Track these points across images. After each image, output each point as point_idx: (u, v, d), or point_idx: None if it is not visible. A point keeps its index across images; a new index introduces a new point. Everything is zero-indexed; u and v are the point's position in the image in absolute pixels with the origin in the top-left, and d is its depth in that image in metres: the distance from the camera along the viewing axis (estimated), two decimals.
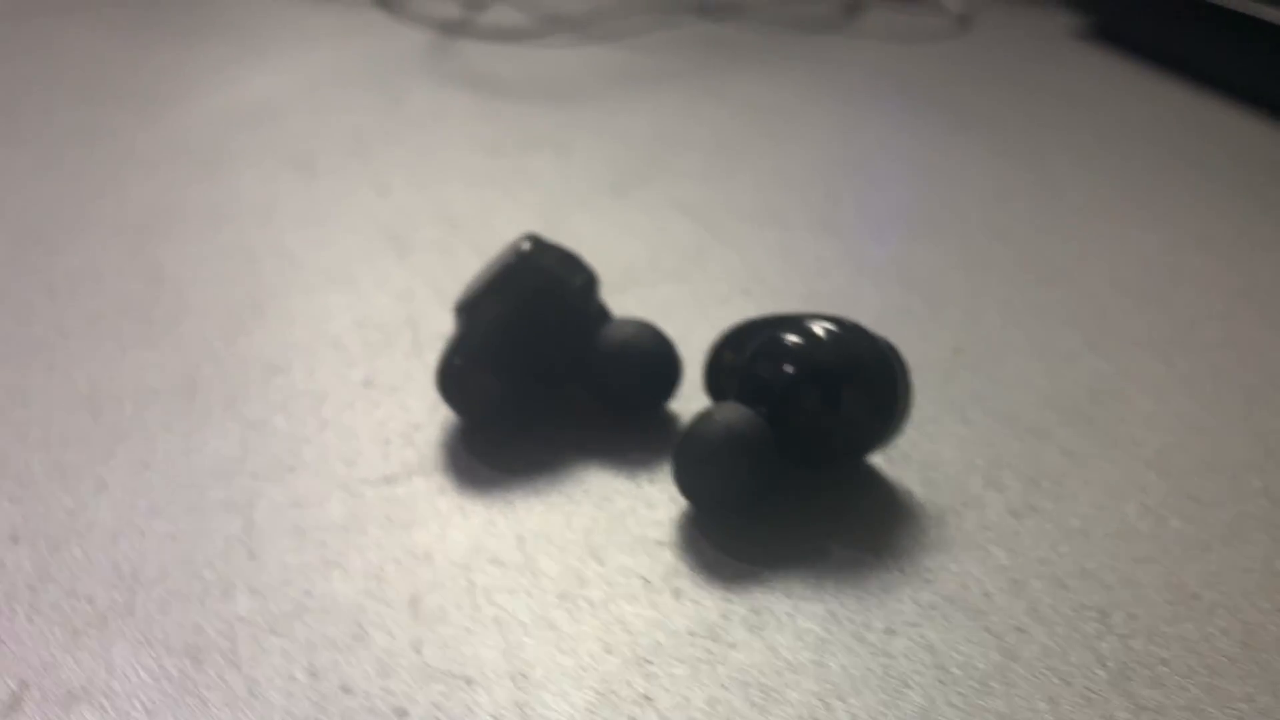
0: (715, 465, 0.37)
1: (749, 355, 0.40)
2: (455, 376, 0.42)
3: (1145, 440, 0.43)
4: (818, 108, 0.79)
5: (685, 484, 0.37)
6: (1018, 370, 0.47)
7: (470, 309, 0.43)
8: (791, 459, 0.38)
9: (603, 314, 0.44)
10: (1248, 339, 0.50)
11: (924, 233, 0.60)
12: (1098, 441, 0.43)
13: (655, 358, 0.43)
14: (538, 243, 0.43)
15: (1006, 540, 0.37)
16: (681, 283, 0.55)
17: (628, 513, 0.39)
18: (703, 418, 0.37)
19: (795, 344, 0.38)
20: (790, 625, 0.34)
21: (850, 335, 0.39)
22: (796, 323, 0.40)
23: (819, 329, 0.39)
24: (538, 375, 0.43)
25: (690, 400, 0.45)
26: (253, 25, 0.96)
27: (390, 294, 0.53)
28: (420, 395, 0.45)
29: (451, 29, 0.95)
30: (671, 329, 0.49)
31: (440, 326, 0.50)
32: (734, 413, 0.37)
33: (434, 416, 0.44)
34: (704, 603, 0.35)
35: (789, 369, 0.38)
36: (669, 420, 0.44)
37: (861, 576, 0.36)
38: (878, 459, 0.42)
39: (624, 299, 0.53)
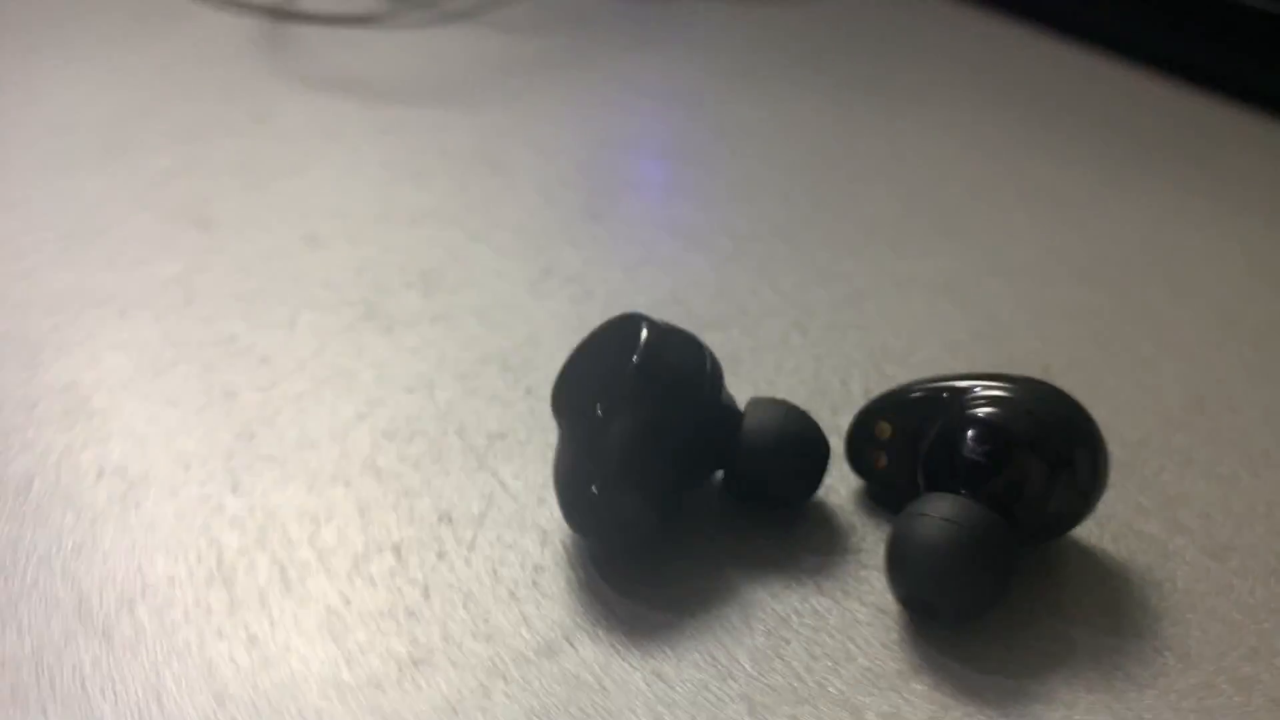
0: (969, 574, 0.32)
1: (938, 431, 0.35)
2: (598, 507, 0.34)
3: None
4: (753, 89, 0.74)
5: (933, 598, 0.33)
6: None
7: (585, 415, 0.35)
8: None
9: (729, 397, 0.38)
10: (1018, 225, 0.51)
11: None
12: None
13: (810, 445, 0.37)
14: (654, 328, 0.36)
15: None
16: (729, 329, 0.49)
17: (845, 639, 0.34)
18: (934, 521, 0.32)
19: (1000, 416, 0.34)
20: None
21: (1047, 397, 0.35)
22: (982, 390, 0.36)
23: (1013, 394, 0.35)
24: (682, 484, 0.37)
25: (832, 480, 0.40)
26: (25, 18, 0.77)
27: (405, 388, 0.44)
28: (520, 524, 0.38)
29: (279, 14, 0.82)
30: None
31: (497, 424, 0.42)
32: (968, 510, 0.32)
33: (551, 549, 0.37)
34: None
35: (1005, 444, 0.34)
36: (817, 510, 0.39)
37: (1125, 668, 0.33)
38: None
39: None
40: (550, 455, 0.40)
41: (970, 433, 0.34)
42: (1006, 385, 0.36)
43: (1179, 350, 0.47)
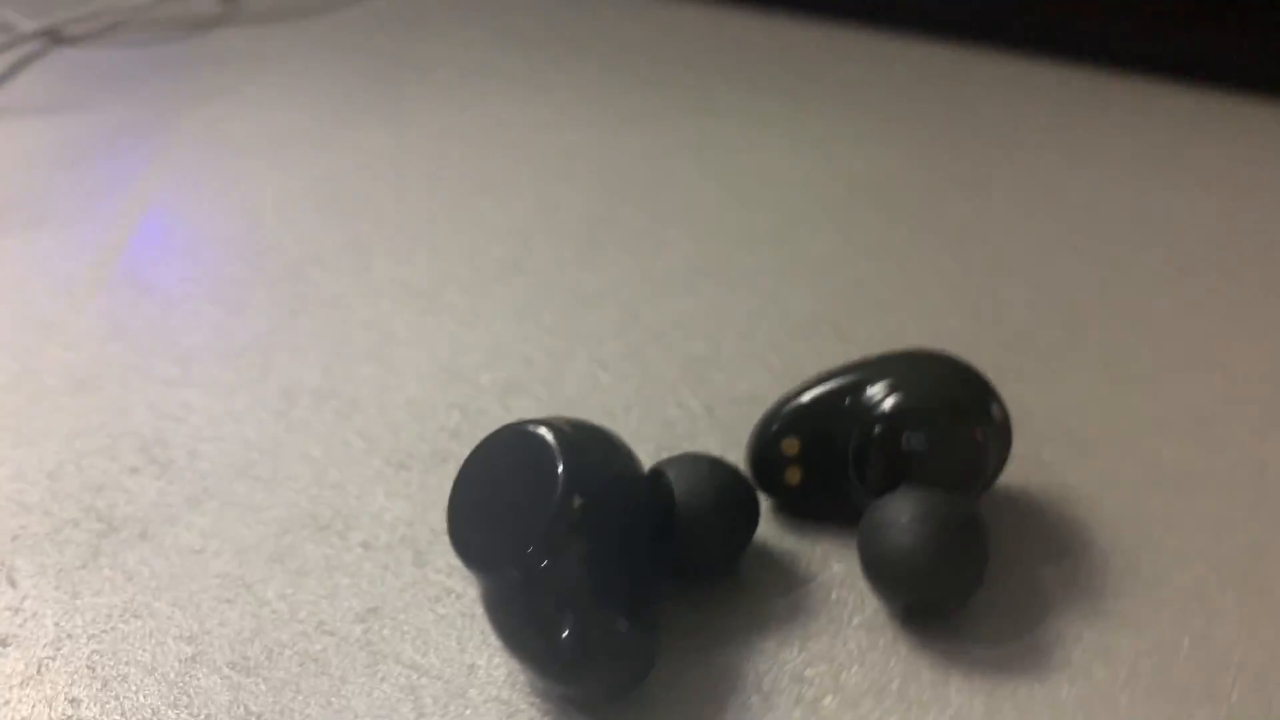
0: (966, 558, 0.32)
1: (864, 436, 0.34)
2: (583, 646, 0.29)
3: None
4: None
5: (940, 595, 0.32)
6: None
7: (518, 560, 0.30)
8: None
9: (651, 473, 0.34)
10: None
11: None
12: None
13: (745, 495, 0.35)
14: (561, 435, 0.31)
15: None
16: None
17: (868, 669, 0.32)
18: (917, 523, 0.31)
19: (921, 399, 0.34)
20: None
21: (938, 364, 0.36)
22: (878, 379, 0.35)
23: (909, 372, 0.35)
24: (650, 590, 0.33)
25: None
26: None
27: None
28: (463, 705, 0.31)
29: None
30: None
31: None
32: (938, 500, 0.32)
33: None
34: None
35: (941, 424, 0.34)
36: (750, 555, 0.36)
37: None
38: None
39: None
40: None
41: (903, 426, 0.34)
42: (892, 366, 0.36)
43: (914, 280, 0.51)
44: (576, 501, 0.29)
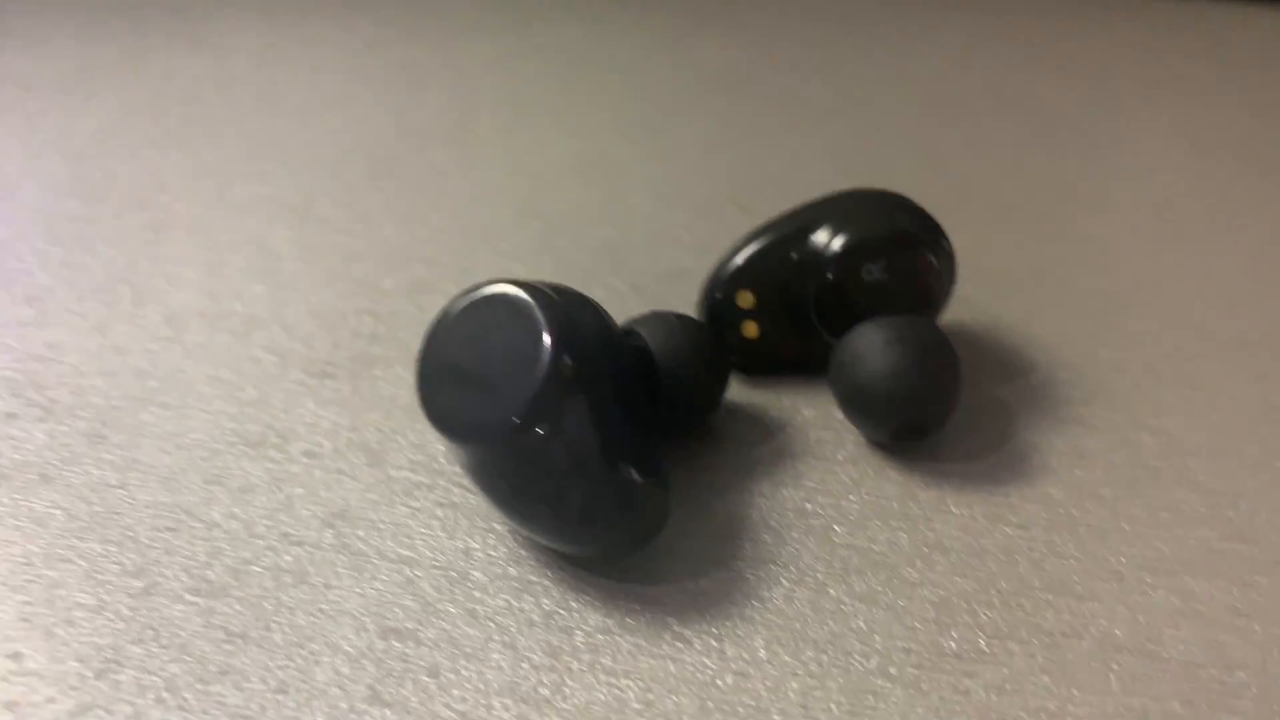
0: (946, 378, 0.32)
1: (823, 277, 0.34)
2: (615, 503, 0.28)
3: None
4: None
5: (926, 416, 0.32)
6: None
7: (509, 431, 0.28)
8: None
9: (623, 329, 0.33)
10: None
11: None
12: None
13: (716, 345, 0.34)
14: (540, 296, 0.29)
15: None
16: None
17: (866, 497, 0.32)
18: (897, 349, 0.31)
19: (877, 229, 0.34)
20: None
21: (881, 197, 0.36)
22: (825, 221, 0.35)
23: (859, 209, 0.35)
24: (650, 441, 0.31)
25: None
26: None
27: None
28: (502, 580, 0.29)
29: None
30: None
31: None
32: (911, 325, 0.32)
33: (541, 589, 0.29)
34: None
35: (903, 250, 0.34)
36: (728, 418, 0.36)
37: None
38: None
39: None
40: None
41: (862, 259, 0.34)
42: (831, 209, 0.36)
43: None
44: (567, 362, 0.28)
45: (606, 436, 0.28)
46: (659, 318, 0.33)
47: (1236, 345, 0.38)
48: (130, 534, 0.30)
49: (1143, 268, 0.43)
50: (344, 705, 0.25)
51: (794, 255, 0.35)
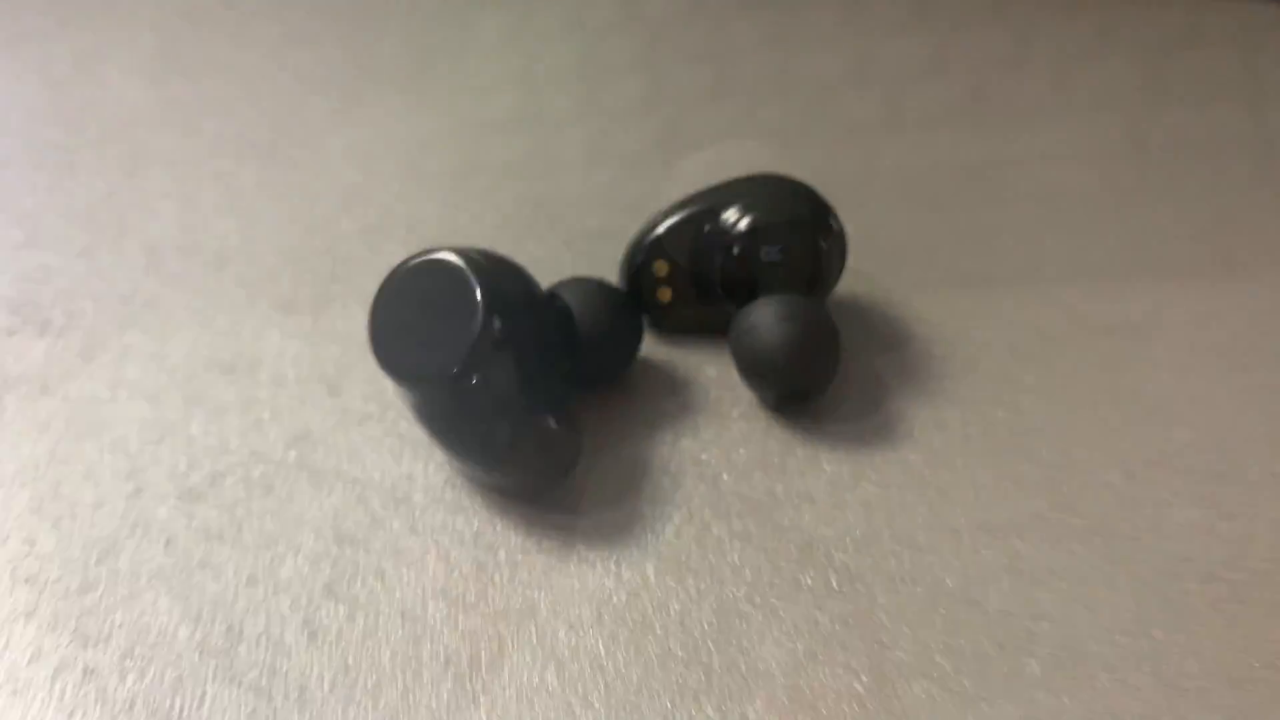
0: (827, 350, 0.37)
1: (727, 253, 0.39)
2: (534, 444, 0.34)
3: None
4: None
5: (808, 384, 0.38)
6: None
7: (462, 375, 0.33)
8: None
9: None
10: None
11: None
12: None
13: (632, 308, 0.39)
14: (474, 263, 0.34)
15: None
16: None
17: (760, 450, 0.38)
18: (784, 323, 0.37)
19: (776, 213, 0.39)
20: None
21: (782, 183, 0.41)
22: (733, 201, 0.40)
23: (760, 192, 0.41)
24: (563, 393, 0.37)
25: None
26: None
27: None
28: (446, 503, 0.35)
29: None
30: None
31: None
32: (797, 303, 0.38)
33: (477, 515, 0.35)
34: None
35: (798, 235, 0.39)
36: (641, 372, 0.41)
37: None
38: None
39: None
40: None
41: (761, 242, 0.39)
42: (741, 191, 0.41)
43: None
44: (497, 322, 0.33)
45: (530, 387, 0.34)
46: (580, 283, 0.38)
47: (1101, 331, 0.44)
48: (122, 443, 0.35)
49: (1025, 253, 0.48)
50: (304, 598, 0.31)
51: (706, 229, 0.40)
